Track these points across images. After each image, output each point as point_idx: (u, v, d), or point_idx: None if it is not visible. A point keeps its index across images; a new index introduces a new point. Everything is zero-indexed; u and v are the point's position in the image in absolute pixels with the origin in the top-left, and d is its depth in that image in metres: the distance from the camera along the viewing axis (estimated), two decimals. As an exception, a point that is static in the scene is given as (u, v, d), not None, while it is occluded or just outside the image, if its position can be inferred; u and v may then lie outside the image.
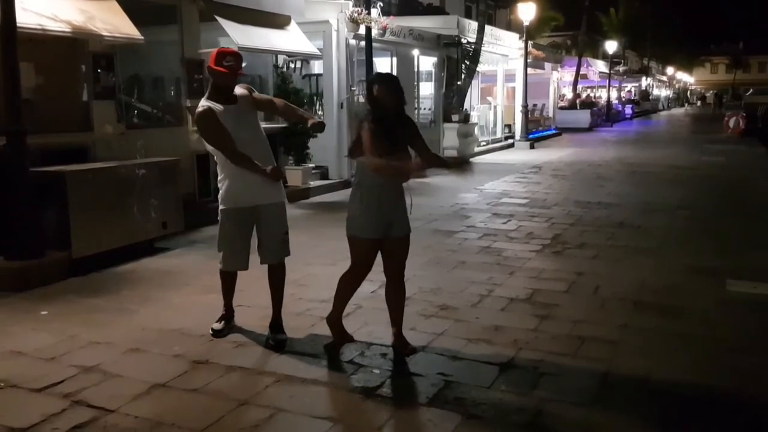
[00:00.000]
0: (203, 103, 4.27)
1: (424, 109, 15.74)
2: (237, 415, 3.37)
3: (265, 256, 4.49)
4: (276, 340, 4.38)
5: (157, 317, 4.86)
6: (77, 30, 6.94)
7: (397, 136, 3.86)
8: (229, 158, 4.24)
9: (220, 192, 4.42)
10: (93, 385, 3.70)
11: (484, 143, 19.34)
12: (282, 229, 4.49)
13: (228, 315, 4.66)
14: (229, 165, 4.30)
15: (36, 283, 5.56)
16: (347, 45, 11.83)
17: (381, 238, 4.00)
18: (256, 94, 4.52)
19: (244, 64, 4.38)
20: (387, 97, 3.87)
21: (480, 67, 18.28)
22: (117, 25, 7.38)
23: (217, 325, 4.57)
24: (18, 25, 5.70)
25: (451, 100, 16.65)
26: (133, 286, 5.70)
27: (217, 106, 4.22)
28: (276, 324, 4.48)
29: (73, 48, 7.41)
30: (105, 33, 7.16)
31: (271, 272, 4.53)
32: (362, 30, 11.39)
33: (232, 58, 4.25)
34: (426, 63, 15.71)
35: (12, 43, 5.59)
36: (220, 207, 4.44)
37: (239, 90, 4.41)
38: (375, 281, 5.68)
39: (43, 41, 6.86)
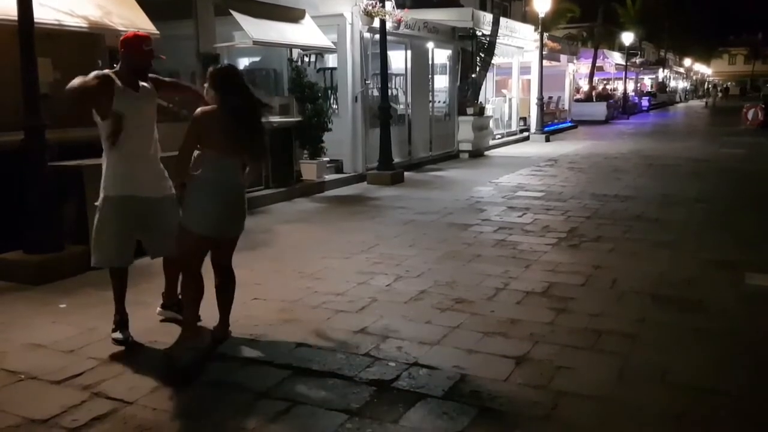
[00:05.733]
0: (108, 71, 4.17)
1: (439, 102, 15.67)
2: (255, 407, 3.39)
3: (155, 251, 4.39)
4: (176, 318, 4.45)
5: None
6: (94, 25, 7.00)
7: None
8: (67, 96, 3.96)
9: (104, 177, 4.17)
10: (112, 377, 3.74)
11: (499, 136, 19.28)
12: (174, 224, 4.14)
13: (123, 318, 4.26)
14: (122, 149, 4.10)
15: (55, 277, 5.61)
16: (361, 38, 11.80)
17: (216, 237, 4.05)
18: (161, 81, 4.43)
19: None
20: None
21: (495, 60, 18.16)
22: (133, 19, 7.44)
23: (118, 335, 4.19)
24: (36, 20, 5.75)
25: (466, 93, 16.57)
26: (149, 279, 5.72)
27: (118, 83, 4.08)
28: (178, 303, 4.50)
29: (89, 43, 7.48)
30: (121, 28, 7.20)
31: (165, 264, 4.50)
32: (376, 23, 11.35)
33: (150, 43, 4.23)
34: (441, 56, 15.63)
35: (30, 39, 5.64)
36: (103, 194, 4.16)
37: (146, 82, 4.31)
38: (390, 275, 5.73)
39: (60, 36, 6.92)
